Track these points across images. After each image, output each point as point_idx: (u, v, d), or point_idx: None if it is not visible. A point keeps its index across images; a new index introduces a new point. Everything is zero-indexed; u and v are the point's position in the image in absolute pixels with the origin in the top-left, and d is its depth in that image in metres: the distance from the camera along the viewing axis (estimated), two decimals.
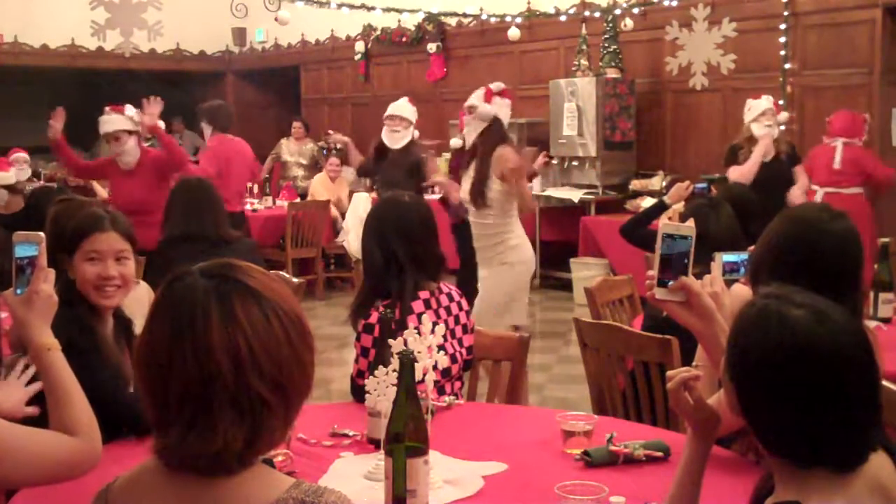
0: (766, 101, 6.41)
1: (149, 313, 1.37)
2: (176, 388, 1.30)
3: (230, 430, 1.29)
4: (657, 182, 8.49)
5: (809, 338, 1.41)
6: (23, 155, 8.73)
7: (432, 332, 2.24)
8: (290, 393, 1.35)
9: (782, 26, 8.01)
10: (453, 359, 2.87)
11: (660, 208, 4.75)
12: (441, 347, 2.83)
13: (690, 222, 2.26)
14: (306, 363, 1.38)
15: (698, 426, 1.75)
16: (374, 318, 2.76)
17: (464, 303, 2.99)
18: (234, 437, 1.29)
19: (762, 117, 6.34)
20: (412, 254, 2.85)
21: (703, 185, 5.04)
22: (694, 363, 2.17)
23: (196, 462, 1.30)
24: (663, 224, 2.02)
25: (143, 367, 1.35)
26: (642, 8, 9.07)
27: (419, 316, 2.76)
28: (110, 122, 6.14)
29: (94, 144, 13.18)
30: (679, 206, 6.61)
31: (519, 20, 9.93)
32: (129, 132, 6.11)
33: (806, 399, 1.40)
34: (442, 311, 2.90)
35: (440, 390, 2.83)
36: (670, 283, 1.98)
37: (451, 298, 2.95)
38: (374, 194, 9.91)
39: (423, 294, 2.88)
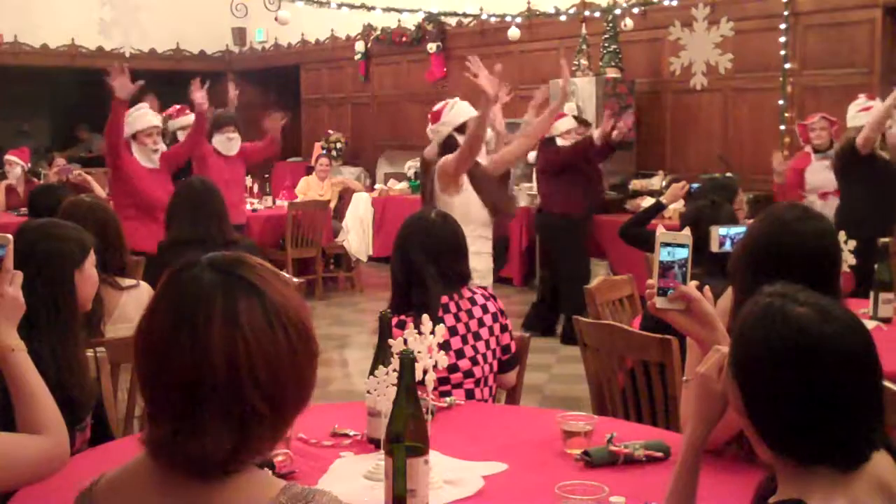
0: (878, 103, 6.14)
1: (152, 298, 1.32)
2: (169, 380, 1.25)
3: (217, 435, 1.24)
4: (657, 182, 8.48)
5: (813, 335, 1.40)
6: (13, 157, 8.74)
7: (432, 332, 2.24)
8: (285, 406, 1.29)
9: (782, 26, 8.01)
10: (474, 361, 2.90)
11: (657, 209, 4.72)
12: (460, 352, 2.85)
13: (686, 230, 2.27)
14: (306, 376, 1.31)
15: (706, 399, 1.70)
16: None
17: (490, 305, 2.99)
18: (221, 443, 1.24)
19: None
20: (437, 271, 2.89)
21: (697, 184, 5.04)
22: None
23: (184, 461, 1.26)
24: (660, 233, 2.02)
25: (141, 354, 1.30)
26: (642, 8, 9.07)
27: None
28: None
29: (92, 142, 13.20)
30: (679, 206, 6.62)
31: (519, 20, 9.94)
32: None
33: (809, 397, 1.39)
34: (462, 315, 2.92)
35: (468, 394, 2.86)
36: (670, 291, 1.99)
37: (473, 302, 2.96)
38: (374, 194, 9.95)
39: (443, 299, 2.91)
